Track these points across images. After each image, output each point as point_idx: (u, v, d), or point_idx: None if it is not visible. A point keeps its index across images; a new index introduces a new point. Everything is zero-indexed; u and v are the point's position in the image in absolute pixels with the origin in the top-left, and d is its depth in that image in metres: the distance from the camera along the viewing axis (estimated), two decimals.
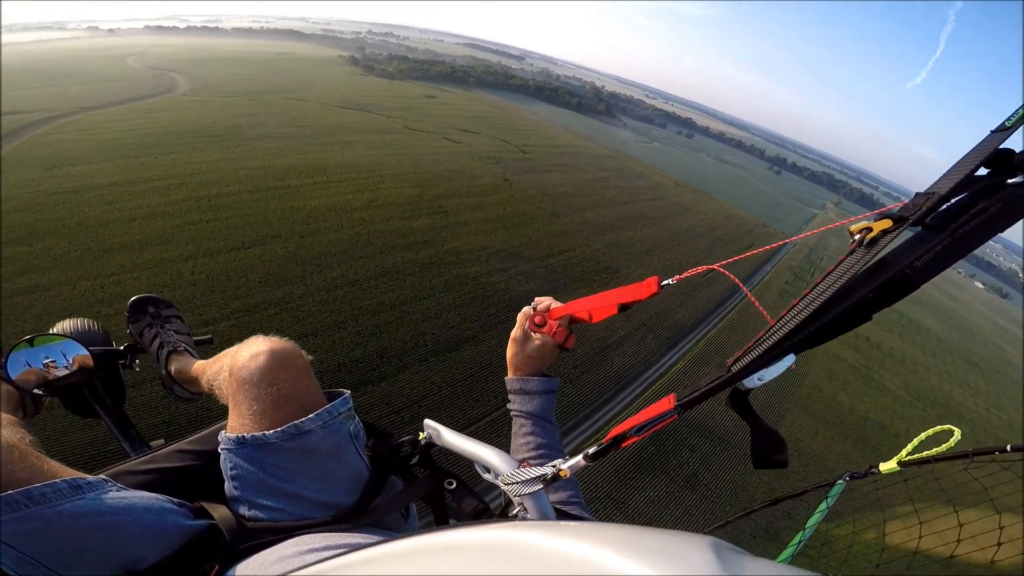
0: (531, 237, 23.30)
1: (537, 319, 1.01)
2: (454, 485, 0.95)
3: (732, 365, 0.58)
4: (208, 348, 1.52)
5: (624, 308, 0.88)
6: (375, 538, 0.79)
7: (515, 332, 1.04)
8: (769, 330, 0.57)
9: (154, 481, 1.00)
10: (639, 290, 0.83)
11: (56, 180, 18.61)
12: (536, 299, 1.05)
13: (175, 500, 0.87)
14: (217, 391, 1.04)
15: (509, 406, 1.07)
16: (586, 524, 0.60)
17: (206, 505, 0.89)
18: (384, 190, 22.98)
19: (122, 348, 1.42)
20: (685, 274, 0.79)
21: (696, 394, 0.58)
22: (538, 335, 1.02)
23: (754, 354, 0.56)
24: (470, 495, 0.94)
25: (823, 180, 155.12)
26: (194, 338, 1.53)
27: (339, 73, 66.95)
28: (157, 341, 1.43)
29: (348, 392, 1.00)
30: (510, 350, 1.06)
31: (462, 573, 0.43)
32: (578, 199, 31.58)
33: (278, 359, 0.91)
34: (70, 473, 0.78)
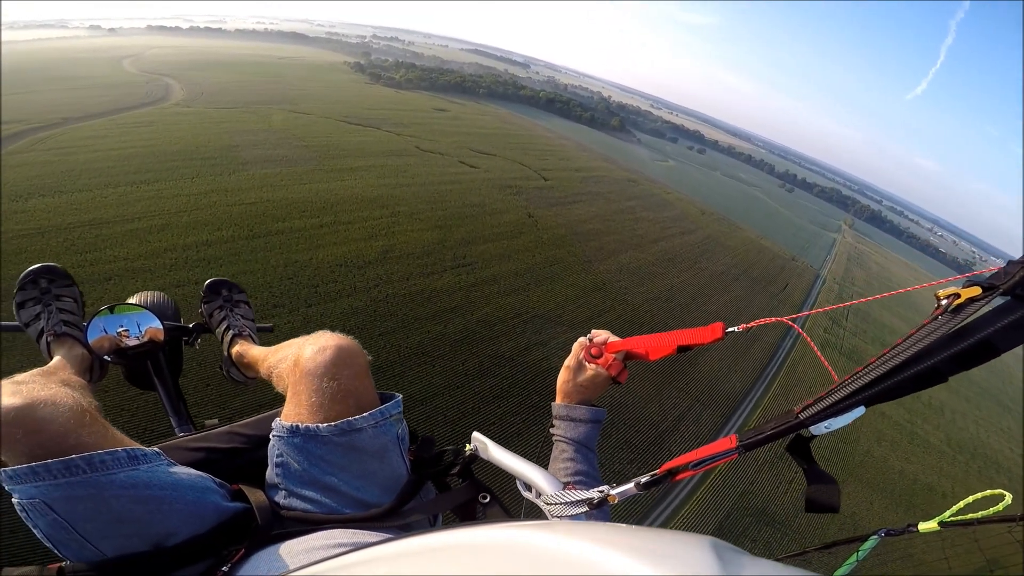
0: (567, 295, 20.30)
1: (594, 351, 1.02)
2: (488, 499, 0.94)
3: (800, 412, 0.60)
4: (268, 336, 1.58)
5: (684, 350, 0.87)
6: (393, 537, 0.77)
7: (569, 360, 1.05)
8: (843, 382, 0.59)
9: (202, 459, 1.02)
10: (703, 334, 0.83)
11: (18, 218, 15.47)
12: (593, 331, 1.07)
13: (217, 480, 0.88)
14: (276, 379, 1.07)
15: (552, 431, 1.06)
16: (586, 524, 0.64)
17: (245, 489, 0.90)
18: (400, 235, 19.93)
19: (191, 326, 1.49)
20: (752, 324, 0.78)
21: (760, 437, 0.60)
22: (592, 366, 1.02)
23: (825, 403, 0.58)
24: (503, 511, 0.93)
25: (833, 197, 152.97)
26: (257, 325, 1.56)
27: (344, 81, 63.86)
28: (225, 324, 1.48)
29: (400, 396, 1.01)
30: (562, 377, 1.06)
31: (462, 573, 0.42)
32: (609, 238, 28.64)
33: (343, 355, 0.94)
34: (129, 443, 0.79)
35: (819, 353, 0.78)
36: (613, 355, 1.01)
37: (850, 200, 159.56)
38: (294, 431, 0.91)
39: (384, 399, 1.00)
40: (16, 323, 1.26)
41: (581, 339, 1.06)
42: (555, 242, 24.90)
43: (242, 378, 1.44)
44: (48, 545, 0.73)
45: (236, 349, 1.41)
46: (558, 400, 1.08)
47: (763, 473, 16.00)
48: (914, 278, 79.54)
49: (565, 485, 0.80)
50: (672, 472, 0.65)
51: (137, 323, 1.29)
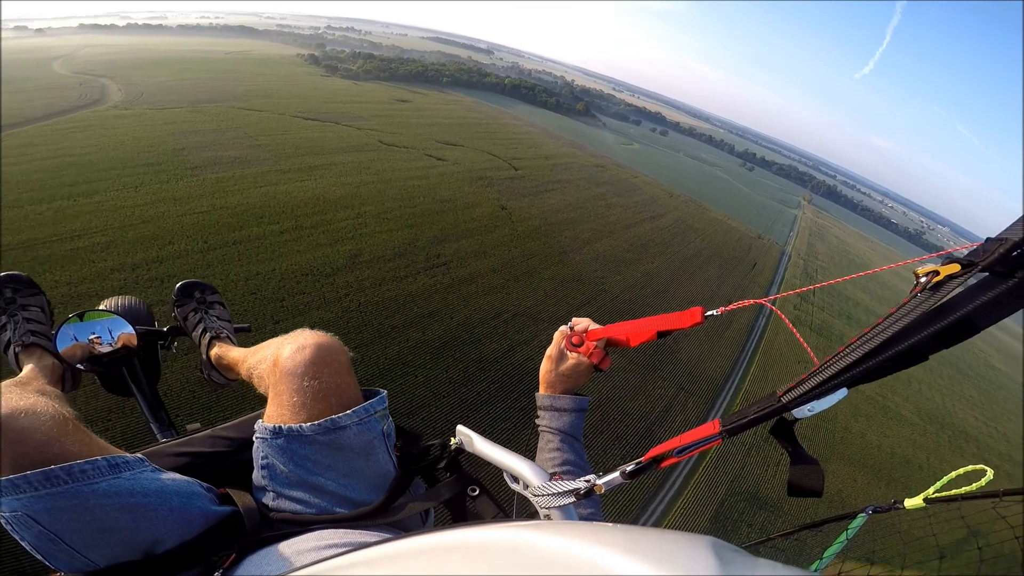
0: (546, 289, 19.91)
1: (574, 339, 1.01)
2: (477, 492, 0.94)
3: (783, 396, 0.59)
4: (246, 336, 1.54)
5: (663, 335, 0.88)
6: (391, 538, 0.77)
7: (551, 350, 1.05)
8: (824, 364, 0.58)
9: (186, 464, 1.02)
10: (682, 319, 0.83)
11: None
12: (573, 319, 1.05)
13: (203, 485, 0.87)
14: (257, 380, 1.05)
15: (538, 421, 1.06)
16: (586, 524, 0.64)
17: (232, 492, 0.89)
18: (369, 237, 19.01)
19: (165, 330, 1.46)
20: (730, 307, 0.78)
21: (743, 421, 0.60)
22: (574, 354, 1.02)
23: (807, 386, 0.58)
24: (492, 503, 0.93)
25: (791, 174, 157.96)
26: (234, 325, 1.53)
27: (299, 75, 60.81)
28: (201, 326, 1.45)
29: (384, 392, 1.00)
30: (544, 367, 1.06)
31: (462, 573, 0.42)
32: (583, 227, 28.37)
33: (323, 353, 0.93)
34: (110, 450, 0.79)
35: (798, 335, 0.79)
36: (594, 343, 1.00)
37: (807, 176, 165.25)
38: (277, 432, 0.89)
39: (368, 395, 0.99)
40: None
41: (562, 328, 1.05)
42: (530, 234, 24.43)
43: (223, 380, 1.42)
44: (38, 557, 0.72)
45: (215, 351, 1.38)
46: (541, 390, 1.07)
47: (751, 457, 16.18)
48: (871, 249, 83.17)
49: (552, 476, 0.79)
50: (657, 459, 0.65)
51: (109, 329, 1.27)
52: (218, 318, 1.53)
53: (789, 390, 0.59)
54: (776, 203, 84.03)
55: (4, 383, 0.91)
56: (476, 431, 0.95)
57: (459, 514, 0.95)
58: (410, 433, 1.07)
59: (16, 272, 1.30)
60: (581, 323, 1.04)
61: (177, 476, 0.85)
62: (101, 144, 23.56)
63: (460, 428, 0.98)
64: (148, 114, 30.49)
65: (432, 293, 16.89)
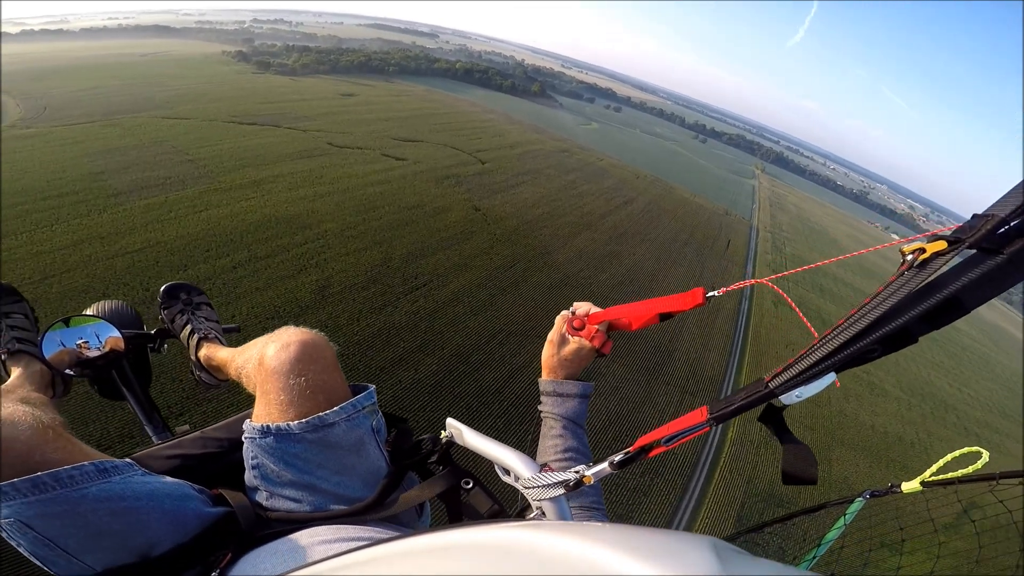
0: (535, 298, 18.48)
1: (576, 323, 1.00)
2: (471, 485, 0.94)
3: (770, 381, 0.58)
4: (235, 337, 1.52)
5: (665, 317, 0.87)
6: (387, 533, 0.82)
7: (552, 334, 1.04)
8: (811, 348, 0.56)
9: (177, 467, 1.02)
10: (683, 300, 0.81)
11: None
12: (575, 304, 1.05)
13: (195, 486, 0.88)
14: (245, 379, 1.05)
15: (540, 408, 1.05)
16: (586, 524, 0.62)
17: (225, 493, 0.90)
18: (335, 261, 16.87)
19: (153, 332, 1.45)
20: (731, 287, 0.78)
21: (730, 408, 0.59)
22: (575, 339, 1.01)
23: (794, 371, 0.56)
24: (486, 496, 0.93)
25: (740, 143, 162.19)
26: (223, 326, 1.53)
27: (226, 74, 55.27)
28: (188, 328, 1.44)
29: (373, 387, 1.00)
30: (546, 352, 1.05)
31: (462, 573, 0.42)
32: (560, 221, 27.02)
33: (308, 350, 0.92)
34: (97, 456, 0.79)
35: (801, 314, 0.78)
36: (596, 326, 0.98)
37: (755, 144, 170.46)
38: (265, 431, 0.89)
39: (356, 391, 0.97)
40: None
41: (563, 312, 1.04)
42: (509, 237, 22.84)
43: (213, 381, 1.41)
44: (36, 562, 0.73)
45: (203, 352, 1.37)
46: (544, 376, 1.06)
47: (762, 455, 15.64)
48: (827, 215, 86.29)
49: (543, 467, 0.77)
50: (645, 449, 0.64)
51: (96, 334, 1.27)
52: (206, 319, 1.50)
53: (776, 375, 0.57)
54: (733, 175, 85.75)
55: None
56: (466, 424, 0.92)
57: (453, 507, 0.93)
58: (402, 427, 1.02)
59: None
60: (582, 307, 1.03)
61: (168, 479, 0.85)
62: (3, 174, 19.87)
63: (450, 421, 0.96)
64: (55, 132, 26.34)
65: (417, 322, 15.11)
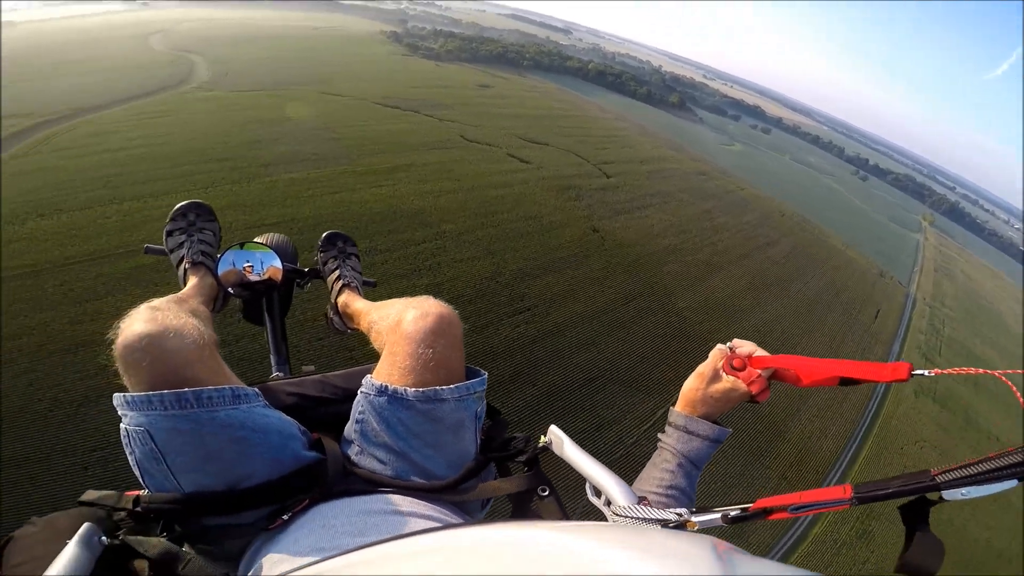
0: (645, 348, 16.14)
1: (736, 362, 0.93)
2: (547, 492, 0.92)
3: (938, 475, 0.56)
4: (371, 291, 1.63)
5: (847, 383, 0.78)
6: (455, 518, 0.84)
7: (704, 368, 0.97)
8: (1005, 453, 0.54)
9: (293, 405, 1.04)
10: (881, 371, 0.73)
11: (15, 248, 12.52)
12: (734, 340, 0.98)
13: (300, 427, 0.90)
14: (375, 335, 1.10)
15: (662, 436, 0.99)
16: (589, 524, 0.65)
17: (324, 439, 0.91)
18: (448, 268, 16.17)
19: (306, 270, 1.61)
20: (946, 371, 0.72)
21: (881, 492, 0.57)
22: (730, 378, 0.93)
23: (969, 471, 0.54)
24: (558, 507, 0.91)
25: (908, 186, 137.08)
26: (363, 279, 1.67)
27: (381, 55, 59.09)
28: (336, 272, 1.59)
29: (486, 374, 1.01)
30: (691, 383, 0.98)
31: (469, 572, 0.42)
32: (689, 258, 24.00)
33: (443, 324, 0.94)
34: (235, 381, 0.82)
35: None
36: (759, 371, 0.90)
37: (926, 189, 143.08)
38: (382, 390, 0.91)
39: (470, 374, 0.99)
40: (162, 247, 1.37)
41: (720, 346, 0.97)
42: (627, 267, 20.59)
43: (343, 327, 1.50)
44: (136, 472, 0.75)
45: (342, 299, 1.47)
46: (679, 408, 1.00)
47: (841, 557, 12.22)
48: (1000, 289, 69.21)
49: (641, 499, 0.76)
50: (766, 511, 0.62)
51: (261, 260, 1.35)
52: (352, 268, 1.63)
53: (947, 471, 0.55)
54: (895, 224, 72.82)
55: (166, 299, 0.96)
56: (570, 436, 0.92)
57: (520, 509, 0.92)
58: (499, 420, 1.04)
59: (200, 201, 1.45)
60: (746, 346, 0.95)
61: (282, 416, 0.86)
62: (177, 133, 22.28)
63: (553, 428, 0.95)
64: (227, 98, 29.42)
65: (515, 349, 13.81)
